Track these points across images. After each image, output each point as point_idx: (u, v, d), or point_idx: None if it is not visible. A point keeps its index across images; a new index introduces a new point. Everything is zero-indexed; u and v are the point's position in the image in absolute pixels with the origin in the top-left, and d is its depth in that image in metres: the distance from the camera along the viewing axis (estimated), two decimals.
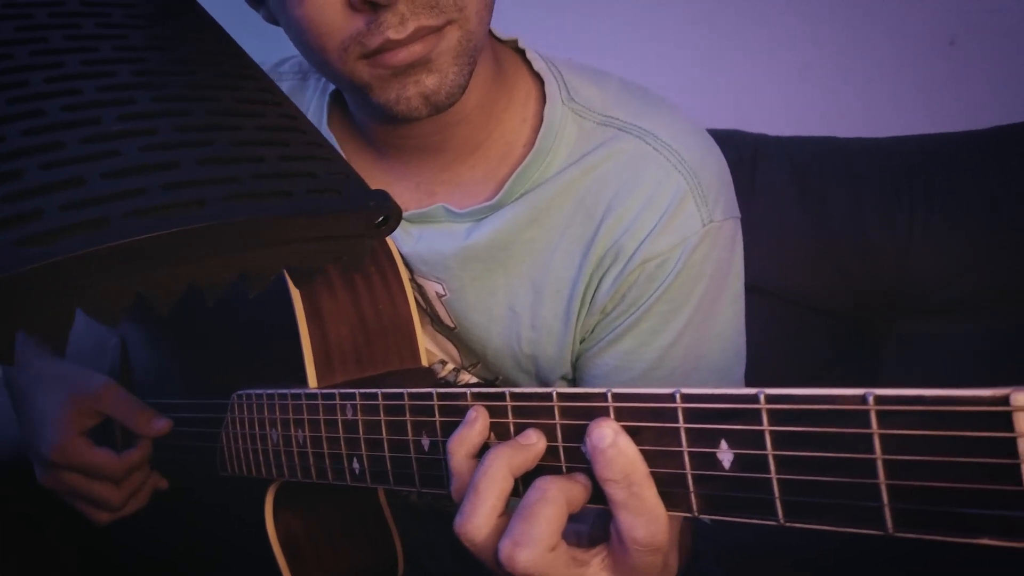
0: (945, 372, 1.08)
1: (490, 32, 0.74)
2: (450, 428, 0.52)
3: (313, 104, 0.82)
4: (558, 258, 0.74)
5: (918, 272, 1.10)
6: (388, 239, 0.76)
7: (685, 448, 0.42)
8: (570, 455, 0.47)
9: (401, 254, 0.77)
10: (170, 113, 0.41)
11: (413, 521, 0.84)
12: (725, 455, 0.41)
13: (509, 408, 0.50)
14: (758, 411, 0.39)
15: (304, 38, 0.64)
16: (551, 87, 0.74)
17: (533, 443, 0.48)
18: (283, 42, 0.71)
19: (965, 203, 1.10)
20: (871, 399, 0.35)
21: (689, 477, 0.42)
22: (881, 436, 0.35)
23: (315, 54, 0.65)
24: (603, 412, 0.45)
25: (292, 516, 0.74)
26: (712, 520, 0.42)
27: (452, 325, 0.79)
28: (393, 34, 0.60)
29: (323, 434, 0.63)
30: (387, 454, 0.58)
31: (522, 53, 0.77)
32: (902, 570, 0.76)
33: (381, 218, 0.43)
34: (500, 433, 0.51)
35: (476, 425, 0.50)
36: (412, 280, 0.78)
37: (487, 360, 0.80)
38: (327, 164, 0.43)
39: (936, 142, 1.15)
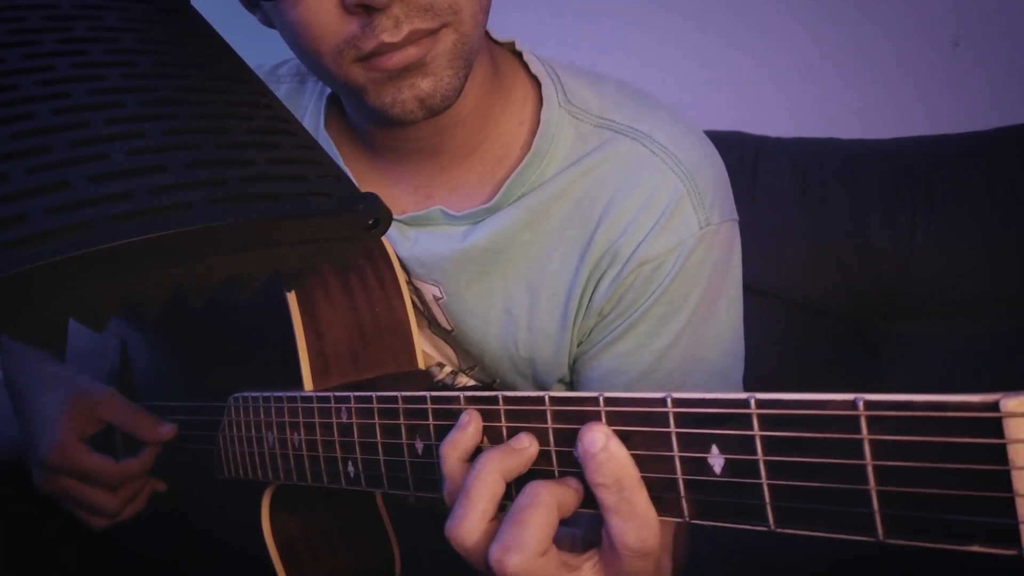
0: (947, 374, 1.07)
1: (487, 34, 0.74)
2: (444, 431, 0.52)
3: (311, 107, 0.82)
4: (555, 261, 0.73)
5: (919, 273, 1.10)
6: (385, 242, 0.76)
7: (676, 453, 0.42)
8: (563, 459, 0.47)
9: (398, 257, 0.77)
10: (159, 117, 0.41)
11: (411, 522, 0.83)
12: (716, 460, 0.41)
13: (502, 412, 0.50)
14: (748, 416, 0.39)
15: (299, 41, 0.64)
16: (548, 89, 0.74)
17: (525, 447, 0.48)
18: (283, 44, 0.71)
19: (967, 205, 1.09)
20: (861, 404, 0.35)
21: (680, 482, 0.42)
22: (871, 441, 0.35)
23: (310, 57, 0.64)
24: (595, 416, 0.45)
25: (288, 518, 0.74)
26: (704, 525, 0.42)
27: (449, 328, 0.79)
28: (387, 37, 0.60)
29: (318, 437, 0.63)
30: (381, 457, 0.58)
31: (519, 55, 0.77)
32: (900, 573, 0.75)
33: (371, 221, 0.43)
34: (493, 437, 0.50)
35: (469, 429, 0.50)
36: (409, 283, 0.78)
37: (484, 363, 0.80)
38: (317, 167, 0.43)
39: (938, 143, 1.14)
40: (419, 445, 0.55)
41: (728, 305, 0.75)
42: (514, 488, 0.48)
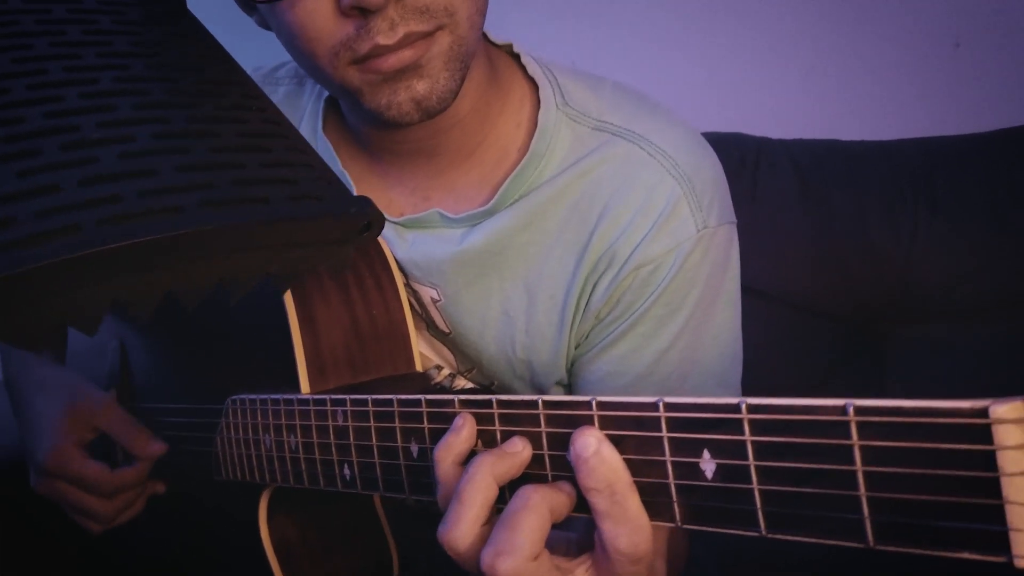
0: (947, 375, 1.07)
1: (484, 36, 0.74)
2: (438, 435, 0.52)
3: (309, 109, 0.82)
4: (552, 263, 0.73)
5: (920, 274, 1.09)
6: (383, 244, 0.76)
7: (668, 457, 0.42)
8: (556, 463, 0.47)
9: (396, 259, 0.76)
10: (151, 120, 0.41)
11: (409, 523, 0.83)
12: (708, 465, 0.40)
13: (496, 415, 0.50)
14: (740, 421, 0.39)
15: (295, 44, 0.64)
16: (545, 91, 0.74)
17: (518, 451, 0.47)
18: (281, 46, 0.71)
19: (969, 206, 1.09)
20: (851, 410, 0.35)
21: (672, 487, 0.42)
22: (861, 447, 0.35)
23: (306, 59, 0.64)
24: (587, 420, 0.45)
25: (286, 520, 0.74)
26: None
27: (447, 330, 0.79)
28: (383, 40, 0.60)
29: (315, 440, 0.63)
30: (377, 460, 0.58)
31: (517, 58, 0.77)
32: (898, 575, 0.75)
33: (363, 224, 0.43)
34: (487, 440, 0.50)
35: (463, 432, 0.50)
36: (407, 285, 0.78)
37: (482, 365, 0.80)
38: (308, 170, 0.42)
39: (940, 145, 1.14)
40: (414, 448, 0.55)
41: (726, 307, 0.75)
42: (507, 492, 0.48)
